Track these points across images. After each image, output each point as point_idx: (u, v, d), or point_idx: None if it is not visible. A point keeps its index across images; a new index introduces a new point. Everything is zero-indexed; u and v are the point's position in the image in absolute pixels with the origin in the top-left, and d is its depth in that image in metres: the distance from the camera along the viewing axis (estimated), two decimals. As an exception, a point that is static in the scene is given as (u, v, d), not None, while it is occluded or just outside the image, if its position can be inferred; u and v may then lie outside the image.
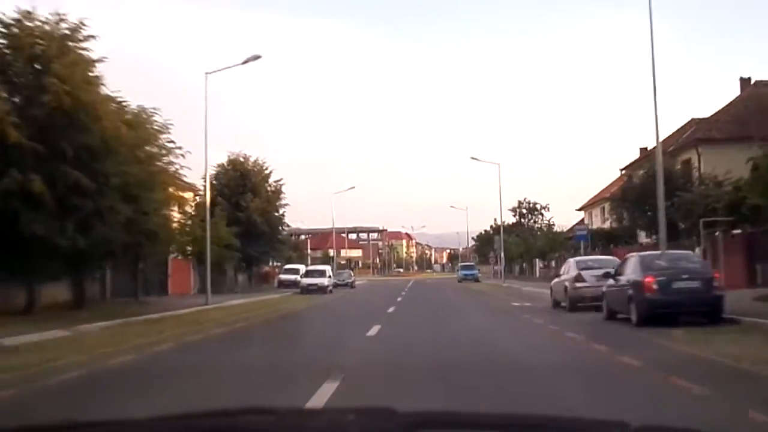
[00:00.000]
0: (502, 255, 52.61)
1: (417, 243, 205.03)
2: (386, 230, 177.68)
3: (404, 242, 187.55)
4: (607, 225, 49.60)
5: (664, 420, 6.08)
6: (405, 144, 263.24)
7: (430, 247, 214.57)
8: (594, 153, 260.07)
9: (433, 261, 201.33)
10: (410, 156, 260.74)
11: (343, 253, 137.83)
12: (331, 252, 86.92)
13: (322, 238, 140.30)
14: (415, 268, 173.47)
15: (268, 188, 46.63)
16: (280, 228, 47.39)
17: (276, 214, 46.87)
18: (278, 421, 2.02)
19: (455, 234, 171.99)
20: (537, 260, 62.95)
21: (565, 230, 58.88)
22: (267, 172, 46.51)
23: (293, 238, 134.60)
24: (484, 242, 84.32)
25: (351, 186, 67.82)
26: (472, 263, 71.99)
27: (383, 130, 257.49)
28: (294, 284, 45.77)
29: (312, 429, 2.04)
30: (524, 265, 69.58)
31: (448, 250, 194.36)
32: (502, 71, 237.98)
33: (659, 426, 2.24)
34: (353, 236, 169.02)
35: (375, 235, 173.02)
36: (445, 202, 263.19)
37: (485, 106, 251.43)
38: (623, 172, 48.88)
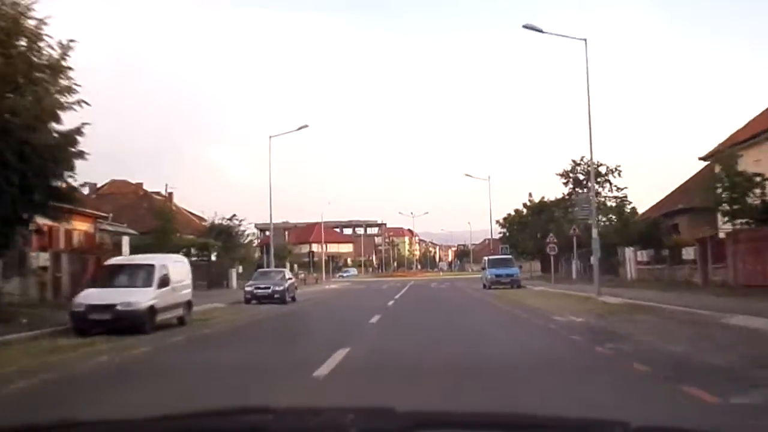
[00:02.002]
0: (596, 234, 23.12)
1: (420, 240, 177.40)
2: (385, 225, 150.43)
3: (406, 239, 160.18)
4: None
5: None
6: (407, 128, 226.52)
7: (434, 245, 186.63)
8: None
9: (437, 259, 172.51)
10: (415, 139, 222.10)
11: (330, 248, 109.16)
12: (304, 244, 54.82)
13: (305, 230, 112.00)
14: (419, 266, 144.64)
15: (32, 56, 17.38)
16: (64, 162, 17.98)
17: (55, 127, 17.65)
18: (278, 420, 1.94)
19: (460, 231, 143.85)
20: (629, 250, 33.40)
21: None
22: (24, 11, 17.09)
23: (285, 232, 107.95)
24: (519, 226, 54.58)
25: (303, 125, 38.50)
26: (508, 255, 42.17)
27: (388, 115, 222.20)
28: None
29: (312, 428, 1.94)
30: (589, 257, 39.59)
31: (455, 246, 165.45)
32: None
33: (659, 426, 2.10)
34: (349, 231, 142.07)
35: (376, 231, 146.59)
36: (450, 197, 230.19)
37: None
38: None
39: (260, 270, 31.95)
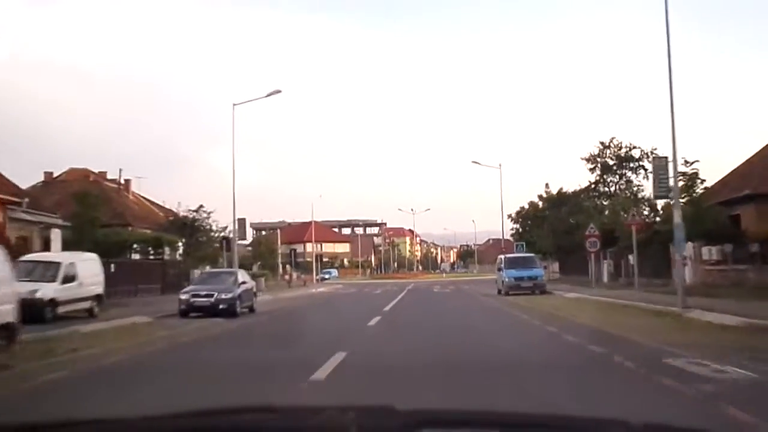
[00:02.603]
0: (678, 217, 15.50)
1: (422, 240, 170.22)
2: (385, 224, 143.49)
3: (407, 239, 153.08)
4: None
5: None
6: (409, 123, 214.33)
7: (436, 245, 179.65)
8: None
9: (439, 260, 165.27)
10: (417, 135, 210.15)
11: (326, 248, 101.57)
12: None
13: (299, 229, 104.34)
14: (419, 268, 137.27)
15: None
16: None
17: None
18: (279, 419, 1.92)
19: (463, 232, 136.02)
20: (692, 245, 25.57)
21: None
22: None
23: (271, 231, 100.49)
24: (535, 221, 46.78)
25: (276, 90, 30.90)
26: (530, 254, 34.26)
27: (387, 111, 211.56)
28: None
29: (312, 427, 1.89)
30: (630, 258, 31.71)
31: (458, 247, 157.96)
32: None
33: (660, 424, 2.01)
34: (348, 231, 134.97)
35: (375, 230, 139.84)
36: (454, 194, 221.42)
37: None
38: None
39: (207, 270, 24.29)
